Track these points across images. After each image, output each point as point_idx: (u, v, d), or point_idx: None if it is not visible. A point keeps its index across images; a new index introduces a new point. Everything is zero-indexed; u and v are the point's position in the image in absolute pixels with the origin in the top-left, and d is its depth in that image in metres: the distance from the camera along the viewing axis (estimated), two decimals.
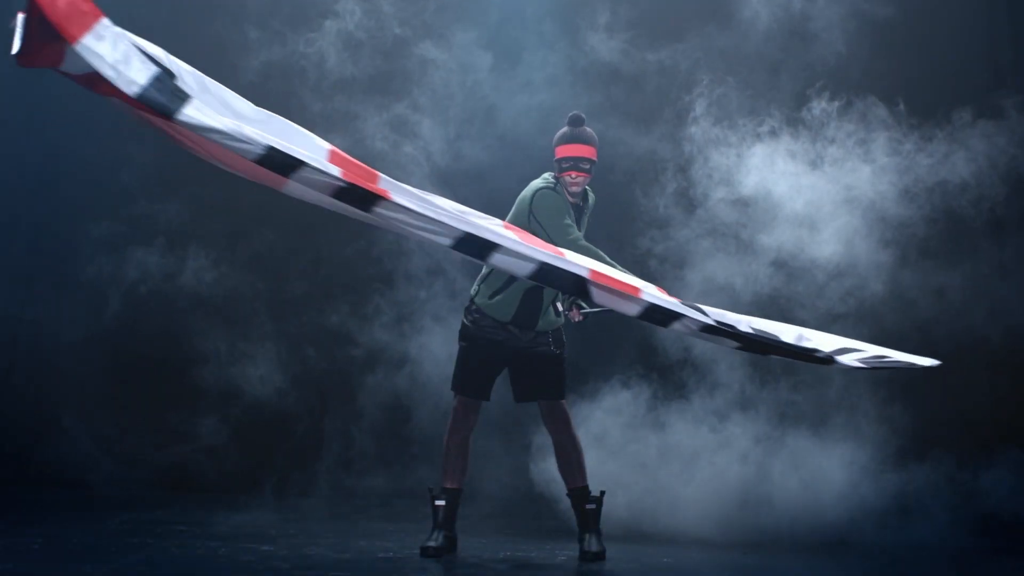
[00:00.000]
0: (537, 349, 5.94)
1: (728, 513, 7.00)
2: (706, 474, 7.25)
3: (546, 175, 5.99)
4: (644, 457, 7.41)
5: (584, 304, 6.01)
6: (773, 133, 7.68)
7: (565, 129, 6.01)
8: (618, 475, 7.02)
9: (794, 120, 7.75)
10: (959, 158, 7.62)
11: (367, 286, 8.62)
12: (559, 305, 6.00)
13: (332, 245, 8.82)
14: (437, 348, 8.10)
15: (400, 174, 8.40)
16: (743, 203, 7.83)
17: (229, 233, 8.75)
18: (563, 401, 5.99)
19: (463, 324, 6.02)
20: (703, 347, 7.86)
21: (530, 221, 5.82)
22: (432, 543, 5.84)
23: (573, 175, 5.92)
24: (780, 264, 7.77)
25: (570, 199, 5.93)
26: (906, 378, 7.81)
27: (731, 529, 6.88)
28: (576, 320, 6.06)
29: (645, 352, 8.13)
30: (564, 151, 5.95)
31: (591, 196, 6.13)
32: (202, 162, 8.14)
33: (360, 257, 8.71)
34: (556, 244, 5.44)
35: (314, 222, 8.74)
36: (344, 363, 8.68)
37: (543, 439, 7.09)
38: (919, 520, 7.13)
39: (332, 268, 8.86)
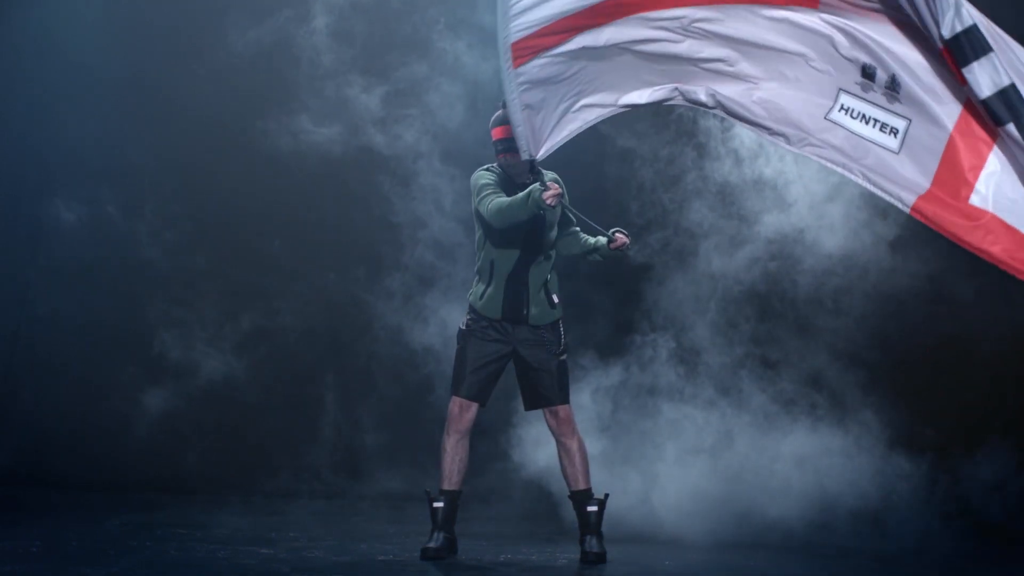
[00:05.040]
0: (536, 355, 5.91)
1: (723, 513, 6.99)
2: (697, 472, 7.25)
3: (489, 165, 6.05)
4: (628, 454, 7.42)
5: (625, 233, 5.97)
6: None
7: (499, 112, 5.97)
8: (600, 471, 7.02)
9: None
10: None
11: (380, 256, 8.61)
12: (555, 297, 5.97)
13: (340, 213, 8.79)
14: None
15: (402, 157, 8.36)
16: (738, 196, 7.82)
17: (225, 209, 8.75)
18: (567, 404, 5.97)
19: (459, 328, 6.03)
20: (693, 341, 7.89)
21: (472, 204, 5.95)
22: (432, 544, 5.82)
23: (507, 156, 5.89)
24: (775, 258, 7.75)
25: (516, 180, 5.91)
26: (904, 379, 7.83)
27: (727, 530, 6.86)
28: (624, 246, 5.96)
29: (628, 340, 8.08)
30: (497, 133, 5.95)
31: (547, 175, 5.97)
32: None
33: (374, 226, 8.67)
34: (484, 216, 5.80)
35: (316, 187, 8.72)
36: (350, 349, 8.67)
37: (543, 439, 7.08)
38: (912, 521, 7.12)
39: (337, 238, 8.83)
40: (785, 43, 4.79)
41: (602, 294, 8.45)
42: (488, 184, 5.87)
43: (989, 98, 4.29)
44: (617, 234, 5.96)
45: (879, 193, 4.67)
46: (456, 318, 6.83)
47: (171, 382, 8.46)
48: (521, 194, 5.67)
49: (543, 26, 4.82)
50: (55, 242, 8.62)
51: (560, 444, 5.96)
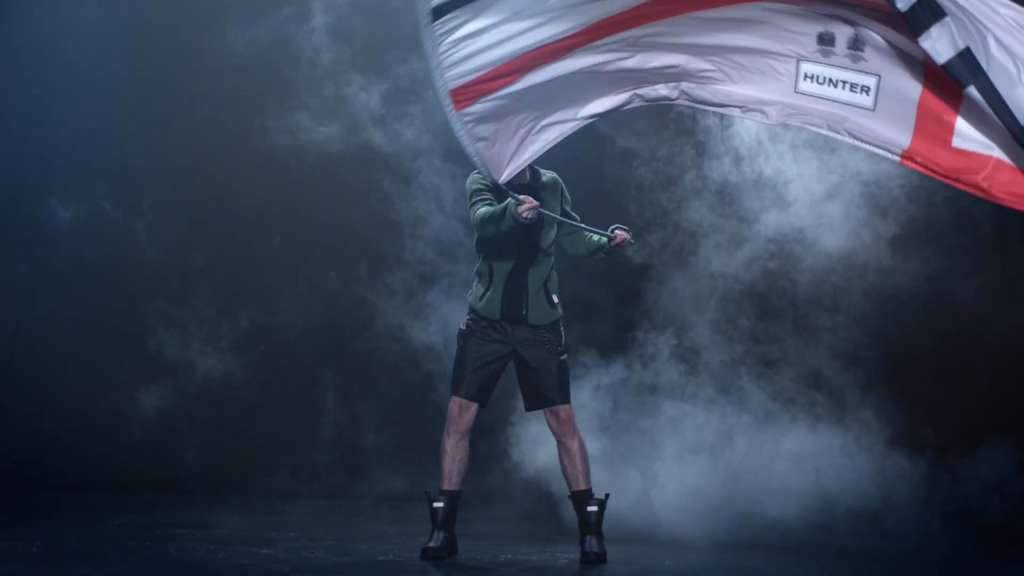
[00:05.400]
0: (536, 355, 5.92)
1: (722, 513, 6.98)
2: (697, 471, 7.25)
3: None
4: (629, 453, 7.42)
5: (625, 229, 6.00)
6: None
7: None
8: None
9: None
10: None
11: (382, 253, 8.59)
12: (554, 297, 5.98)
13: (340, 211, 8.77)
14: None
15: (403, 155, 8.36)
16: (740, 192, 7.81)
17: (225, 208, 8.74)
18: (567, 404, 5.97)
19: (459, 328, 6.04)
20: (693, 340, 7.87)
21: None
22: (432, 544, 5.83)
23: None
24: (775, 256, 7.75)
25: (512, 181, 5.87)
26: (903, 378, 7.82)
27: (727, 530, 6.86)
28: (625, 242, 5.98)
29: (629, 339, 8.08)
30: None
31: (545, 175, 6.07)
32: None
33: (375, 223, 8.66)
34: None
35: (316, 185, 8.69)
36: (351, 348, 8.65)
37: (542, 438, 7.08)
38: (912, 521, 7.12)
39: (337, 235, 8.81)
40: (734, 39, 4.80)
41: (603, 293, 8.45)
42: (479, 190, 5.88)
43: (948, 63, 4.27)
44: (616, 231, 5.98)
45: (867, 148, 4.72)
46: (457, 316, 6.85)
47: (171, 381, 8.46)
48: (499, 208, 5.72)
49: (483, 72, 4.84)
50: (55, 241, 8.60)
51: (561, 444, 5.97)
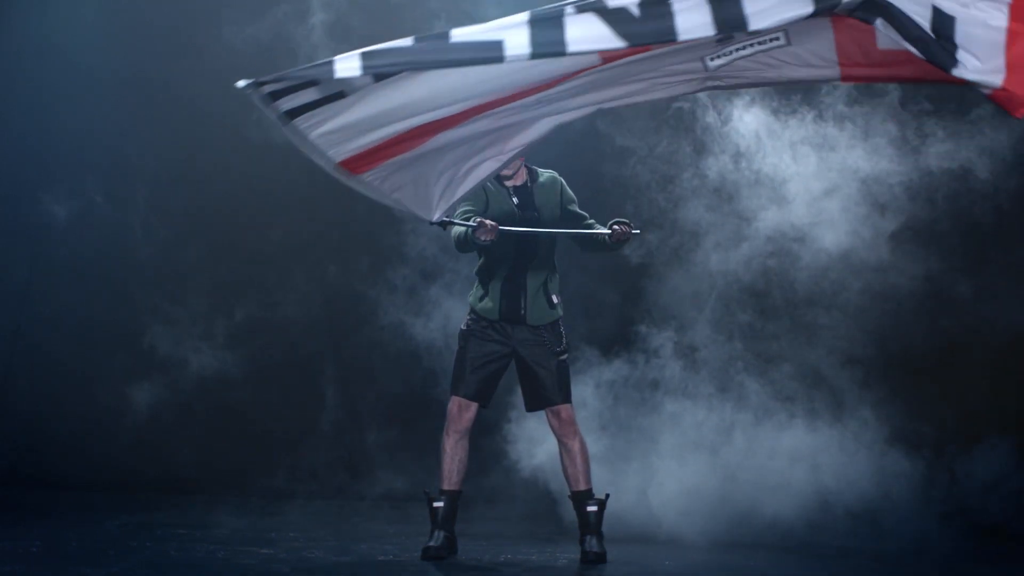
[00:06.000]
0: (536, 355, 5.93)
1: (722, 512, 6.98)
2: (696, 470, 7.26)
3: None
4: (629, 451, 7.42)
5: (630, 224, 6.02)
6: (776, 114, 7.62)
7: None
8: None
9: (798, 101, 7.67)
10: (970, 148, 7.53)
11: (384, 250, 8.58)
12: (554, 297, 5.98)
13: (341, 207, 8.75)
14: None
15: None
16: (740, 189, 7.81)
17: (226, 205, 8.74)
18: (568, 404, 5.98)
19: (460, 328, 6.06)
20: (693, 338, 7.88)
21: None
22: (432, 544, 5.84)
23: None
24: (774, 254, 7.75)
25: (508, 183, 5.98)
26: (902, 377, 7.83)
27: (726, 529, 6.86)
28: (625, 235, 5.99)
29: (629, 337, 8.07)
30: None
31: (543, 175, 6.10)
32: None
33: (376, 220, 8.65)
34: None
35: (316, 182, 8.67)
36: (351, 344, 8.64)
37: (540, 437, 7.09)
38: (911, 521, 7.12)
39: (339, 231, 8.80)
40: (635, 69, 4.68)
41: (603, 291, 8.45)
42: (468, 201, 5.87)
43: (852, 11, 4.20)
44: (615, 226, 5.98)
45: (807, 81, 4.65)
46: (459, 313, 6.86)
47: (170, 379, 8.46)
48: (462, 231, 5.79)
49: (376, 144, 4.66)
50: (54, 241, 8.60)
51: (562, 444, 5.97)
